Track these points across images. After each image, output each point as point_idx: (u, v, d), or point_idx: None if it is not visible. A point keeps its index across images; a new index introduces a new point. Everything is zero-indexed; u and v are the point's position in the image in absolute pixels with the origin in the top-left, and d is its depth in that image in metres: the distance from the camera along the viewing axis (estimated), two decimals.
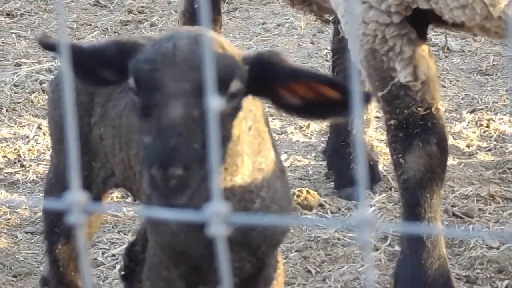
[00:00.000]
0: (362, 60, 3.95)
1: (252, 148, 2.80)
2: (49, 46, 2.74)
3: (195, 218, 1.21)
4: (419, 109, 3.90)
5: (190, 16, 4.91)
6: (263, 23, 6.89)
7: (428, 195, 3.92)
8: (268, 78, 2.68)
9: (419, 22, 3.90)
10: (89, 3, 7.37)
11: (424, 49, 3.91)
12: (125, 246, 4.12)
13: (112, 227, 4.62)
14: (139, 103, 2.57)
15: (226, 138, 2.63)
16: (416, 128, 3.91)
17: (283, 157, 5.23)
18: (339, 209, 4.79)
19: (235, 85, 2.61)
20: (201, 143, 2.47)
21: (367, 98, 2.78)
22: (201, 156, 2.45)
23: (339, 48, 4.79)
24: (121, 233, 4.60)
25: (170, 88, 2.51)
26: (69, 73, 2.31)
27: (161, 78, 2.53)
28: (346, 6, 3.93)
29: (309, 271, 4.32)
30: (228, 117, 2.61)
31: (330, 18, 4.72)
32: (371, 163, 4.96)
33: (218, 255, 1.20)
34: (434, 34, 6.24)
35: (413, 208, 3.94)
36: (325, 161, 5.07)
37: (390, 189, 4.85)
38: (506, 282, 4.16)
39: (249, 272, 2.95)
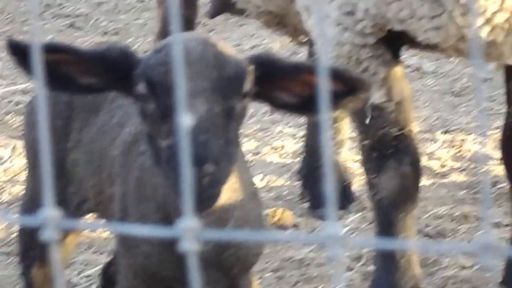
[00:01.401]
0: None
1: None
2: (19, 47, 2.67)
3: (167, 234, 1.21)
4: (393, 130, 3.91)
5: (165, 36, 4.91)
6: (238, 45, 6.90)
7: (402, 215, 3.94)
8: (271, 76, 2.69)
9: (393, 44, 3.91)
10: (65, 25, 7.38)
11: (398, 70, 3.93)
12: (100, 266, 4.11)
13: (87, 248, 4.61)
14: (154, 107, 2.56)
15: (235, 141, 2.63)
16: (390, 149, 3.93)
17: (258, 177, 5.24)
18: (314, 229, 4.80)
19: (247, 85, 2.63)
20: (225, 139, 2.49)
21: (366, 86, 2.78)
22: (227, 152, 2.48)
23: None
24: (96, 254, 4.59)
25: (190, 88, 2.51)
26: (43, 95, 2.32)
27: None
28: (320, 28, 3.94)
29: None
30: (239, 120, 2.62)
31: (305, 40, 4.73)
32: (345, 183, 4.98)
33: (190, 272, 1.20)
34: (408, 55, 6.26)
35: (387, 228, 3.95)
36: (300, 182, 5.07)
37: (364, 209, 4.85)
38: None
39: None
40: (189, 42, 2.60)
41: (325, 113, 1.43)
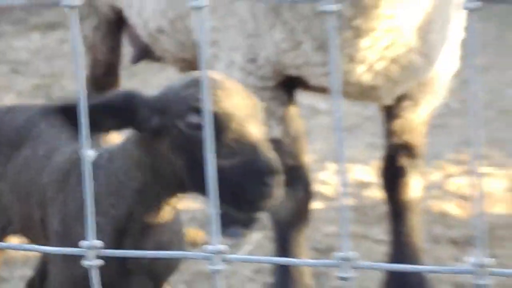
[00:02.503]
0: None
1: None
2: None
3: (74, 252, 1.21)
4: (289, 160, 3.93)
5: (92, 80, 4.89)
6: (158, 87, 6.89)
7: (295, 233, 3.95)
8: None
9: (290, 86, 3.94)
10: (6, 70, 7.32)
11: (293, 109, 3.95)
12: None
13: (22, 264, 4.55)
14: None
15: None
16: (286, 176, 3.93)
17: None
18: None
19: None
20: None
21: None
22: None
23: None
24: (32, 270, 4.54)
25: (242, 116, 2.55)
26: None
27: (233, 108, 2.56)
28: (227, 72, 3.95)
29: None
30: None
31: None
32: None
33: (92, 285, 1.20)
34: (305, 96, 6.29)
35: (283, 245, 3.96)
36: None
37: (266, 228, 4.86)
38: None
39: None
40: (212, 75, 2.63)
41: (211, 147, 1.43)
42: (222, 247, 1.16)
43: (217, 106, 2.54)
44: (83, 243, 1.17)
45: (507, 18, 8.29)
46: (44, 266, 3.61)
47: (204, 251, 1.16)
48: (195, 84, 2.60)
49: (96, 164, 2.75)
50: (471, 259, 1.48)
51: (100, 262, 1.16)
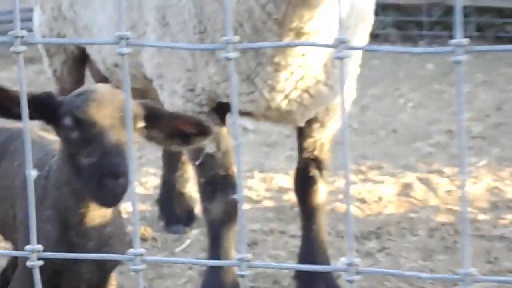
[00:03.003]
0: None
1: None
2: None
3: (21, 254, 1.17)
4: (220, 171, 3.89)
5: None
6: None
7: (226, 231, 3.92)
8: (153, 118, 2.66)
9: (222, 111, 3.91)
10: None
11: (224, 129, 3.92)
12: None
13: None
14: (78, 135, 2.50)
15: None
16: (219, 184, 3.90)
17: (128, 204, 5.16)
18: (167, 240, 4.74)
19: (140, 123, 2.61)
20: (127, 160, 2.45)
21: (210, 130, 2.81)
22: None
23: None
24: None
25: (105, 124, 2.47)
26: None
27: (96, 117, 2.48)
28: (171, 101, 3.92)
29: None
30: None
31: None
32: (190, 208, 4.94)
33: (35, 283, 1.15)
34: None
35: (215, 240, 3.92)
36: (158, 207, 5.02)
37: (202, 226, 4.82)
38: None
39: (94, 284, 2.85)
40: (100, 89, 2.58)
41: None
42: (142, 250, 1.13)
43: (85, 114, 2.50)
44: (27, 247, 1.14)
45: (398, 56, 8.34)
46: (15, 258, 3.53)
47: (128, 254, 1.13)
48: (81, 94, 2.57)
49: (48, 163, 2.74)
50: (344, 259, 1.45)
51: (40, 263, 1.12)
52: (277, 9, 3.48)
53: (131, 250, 1.20)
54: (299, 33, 3.54)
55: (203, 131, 2.74)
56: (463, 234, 1.30)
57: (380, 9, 8.77)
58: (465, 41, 1.39)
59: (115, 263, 2.88)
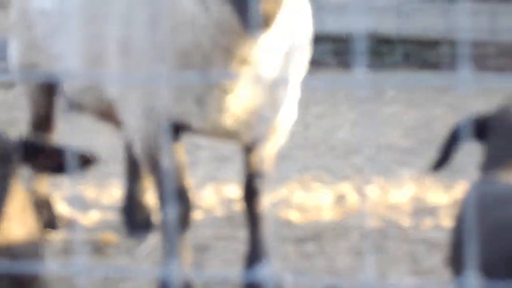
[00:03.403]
0: (141, 153, 3.95)
1: None
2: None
3: None
4: (175, 183, 3.89)
5: (35, 125, 4.83)
6: (88, 128, 6.80)
7: (180, 236, 3.91)
8: (34, 154, 2.66)
9: (178, 128, 3.92)
10: None
11: (180, 146, 3.93)
12: None
13: None
14: None
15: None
16: (174, 195, 3.90)
17: (97, 213, 5.15)
18: (130, 246, 4.73)
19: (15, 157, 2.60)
20: None
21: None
22: None
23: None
24: None
25: None
26: None
27: None
28: (131, 121, 3.92)
29: None
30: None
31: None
32: (150, 216, 4.92)
33: None
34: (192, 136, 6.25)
35: (171, 245, 3.92)
36: (122, 216, 4.99)
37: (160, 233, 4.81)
38: None
39: None
40: None
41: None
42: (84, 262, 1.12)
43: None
44: None
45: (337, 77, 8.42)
46: None
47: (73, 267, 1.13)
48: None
49: None
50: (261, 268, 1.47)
51: None
52: (224, 39, 3.50)
53: None
54: (244, 62, 3.56)
55: (86, 162, 2.72)
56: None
57: (319, 38, 8.85)
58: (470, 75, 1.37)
59: (32, 281, 2.73)
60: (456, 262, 2.69)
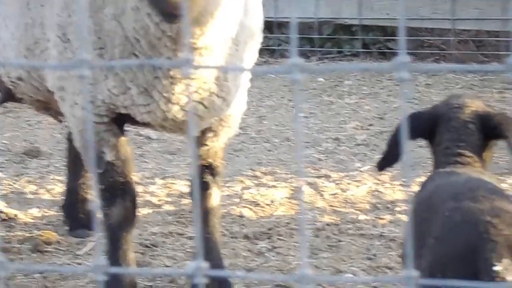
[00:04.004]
0: (81, 147, 3.86)
1: None
2: None
3: None
4: (119, 178, 3.81)
5: None
6: (28, 120, 6.68)
7: (124, 234, 3.84)
8: None
9: (122, 121, 3.83)
10: None
11: (123, 138, 3.84)
12: None
13: None
14: None
15: None
16: (118, 191, 3.82)
17: (36, 210, 5.03)
18: (71, 244, 4.62)
19: None
20: None
21: None
22: None
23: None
24: None
25: None
26: None
27: None
28: (72, 112, 3.83)
29: None
30: None
31: (63, 119, 4.56)
32: (92, 213, 4.81)
33: None
34: (141, 127, 6.17)
35: (114, 243, 3.83)
36: (63, 212, 4.88)
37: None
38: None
39: None
40: None
41: None
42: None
43: None
44: None
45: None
46: None
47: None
48: None
49: None
50: (191, 264, 1.40)
51: None
52: (170, 27, 3.44)
53: None
54: (192, 49, 3.51)
55: None
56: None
57: (276, 27, 8.79)
58: (408, 59, 1.33)
59: None
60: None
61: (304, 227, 1.20)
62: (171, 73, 3.55)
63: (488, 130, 2.78)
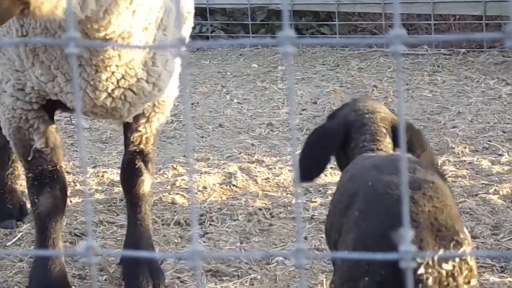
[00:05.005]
0: (11, 134, 3.88)
1: None
2: None
3: None
4: (48, 166, 3.85)
5: None
6: None
7: (53, 223, 3.87)
8: None
9: (51, 108, 3.87)
10: None
11: (53, 126, 3.88)
12: None
13: None
14: None
15: None
16: (46, 179, 3.86)
17: None
18: None
19: None
20: None
21: None
22: None
23: None
24: None
25: None
26: None
27: None
28: (0, 100, 3.85)
29: None
30: None
31: None
32: (21, 203, 4.83)
33: None
34: (73, 116, 6.17)
35: (43, 232, 3.87)
36: None
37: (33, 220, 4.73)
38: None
39: None
40: None
41: None
42: None
43: None
44: None
45: (226, 57, 8.44)
46: None
47: None
48: None
49: None
50: (82, 243, 1.49)
51: None
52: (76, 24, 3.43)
53: None
54: (105, 38, 3.52)
55: None
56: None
57: (209, 13, 8.85)
58: (292, 33, 1.45)
59: None
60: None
61: (300, 210, 1.30)
62: (94, 61, 3.59)
63: (396, 138, 2.96)
